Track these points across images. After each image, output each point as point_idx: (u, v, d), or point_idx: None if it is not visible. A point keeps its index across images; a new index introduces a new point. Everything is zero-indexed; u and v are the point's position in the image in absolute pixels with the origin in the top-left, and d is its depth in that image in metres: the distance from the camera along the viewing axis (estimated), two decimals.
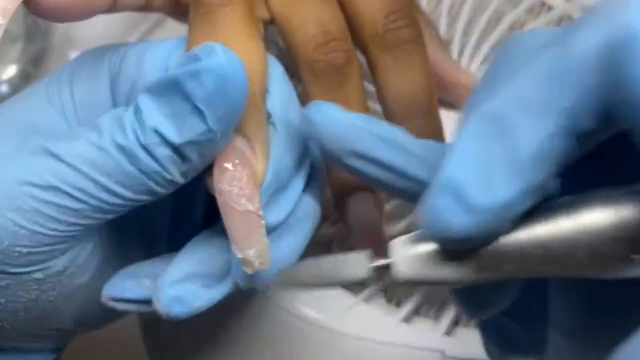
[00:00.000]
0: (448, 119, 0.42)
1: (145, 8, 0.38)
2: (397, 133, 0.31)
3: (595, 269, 0.25)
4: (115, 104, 0.34)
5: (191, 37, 0.34)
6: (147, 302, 0.34)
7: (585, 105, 0.24)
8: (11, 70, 0.52)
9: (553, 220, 0.25)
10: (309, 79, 0.36)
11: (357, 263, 0.27)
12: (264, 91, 0.33)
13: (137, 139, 0.31)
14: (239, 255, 0.31)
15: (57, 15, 0.33)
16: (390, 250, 0.27)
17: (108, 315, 0.38)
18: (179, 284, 0.33)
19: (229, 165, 0.31)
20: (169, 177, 0.32)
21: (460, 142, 0.26)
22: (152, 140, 0.31)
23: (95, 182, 0.31)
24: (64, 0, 0.32)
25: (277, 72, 0.34)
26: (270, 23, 0.37)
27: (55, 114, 0.35)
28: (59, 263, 0.33)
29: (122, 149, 0.31)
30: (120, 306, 0.35)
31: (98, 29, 0.52)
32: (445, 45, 0.45)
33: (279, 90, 0.34)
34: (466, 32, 0.47)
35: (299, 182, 0.34)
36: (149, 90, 0.31)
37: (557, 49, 0.25)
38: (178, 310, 0.32)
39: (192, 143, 0.31)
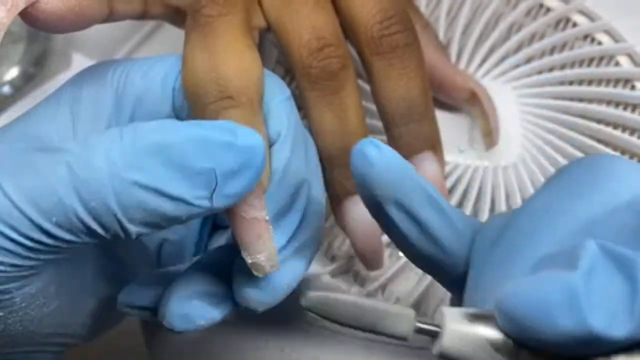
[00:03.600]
0: (445, 120, 0.43)
1: (142, 17, 0.37)
2: (442, 198, 0.31)
3: None
4: (118, 119, 0.34)
5: (189, 48, 0.34)
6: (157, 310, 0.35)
7: None
8: (13, 72, 0.52)
9: None
10: (305, 85, 0.36)
11: (402, 319, 0.27)
12: (261, 99, 0.34)
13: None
14: (250, 261, 0.32)
15: (54, 27, 0.33)
16: (441, 318, 0.27)
17: (92, 327, 0.37)
18: (185, 301, 0.33)
19: None
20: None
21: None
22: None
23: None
24: (60, 12, 0.32)
25: (273, 80, 0.35)
26: (267, 30, 0.37)
27: (55, 133, 0.34)
28: (17, 298, 0.32)
29: None
30: (135, 314, 0.35)
31: (100, 30, 0.52)
32: (443, 47, 0.45)
33: (280, 99, 0.34)
34: (465, 34, 0.47)
35: (306, 190, 0.34)
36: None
37: None
38: (182, 327, 0.33)
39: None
